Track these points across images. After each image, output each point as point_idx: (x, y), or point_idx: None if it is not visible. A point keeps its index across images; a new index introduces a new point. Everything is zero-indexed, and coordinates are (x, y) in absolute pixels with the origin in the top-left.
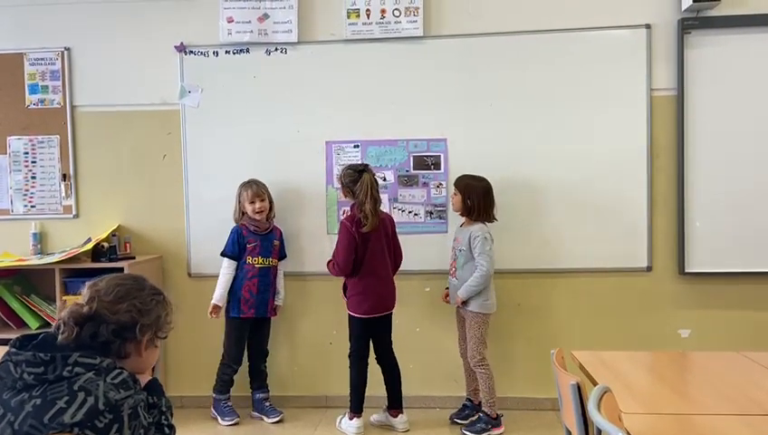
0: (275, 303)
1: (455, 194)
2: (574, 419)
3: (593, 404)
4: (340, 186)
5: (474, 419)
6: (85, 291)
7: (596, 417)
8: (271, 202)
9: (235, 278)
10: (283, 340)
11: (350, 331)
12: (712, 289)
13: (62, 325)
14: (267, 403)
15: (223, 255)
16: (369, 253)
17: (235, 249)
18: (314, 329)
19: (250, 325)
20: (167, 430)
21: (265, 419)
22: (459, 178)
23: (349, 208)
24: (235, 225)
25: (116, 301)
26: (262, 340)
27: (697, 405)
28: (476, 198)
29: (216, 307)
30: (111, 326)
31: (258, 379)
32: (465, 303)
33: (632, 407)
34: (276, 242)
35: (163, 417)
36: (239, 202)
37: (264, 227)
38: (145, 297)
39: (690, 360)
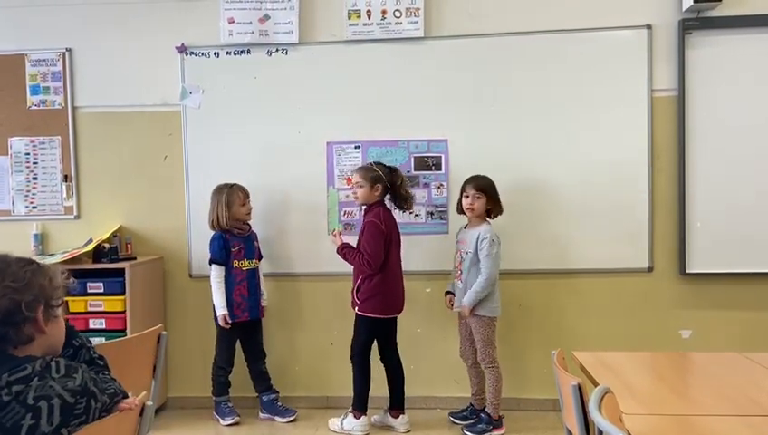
0: (261, 304)
1: (478, 197)
2: (575, 419)
3: (594, 405)
4: (362, 181)
5: (475, 419)
6: None
7: (597, 418)
8: None
9: (225, 284)
10: (284, 341)
11: (359, 332)
12: (713, 290)
13: None
14: (279, 403)
15: (212, 262)
16: (390, 253)
17: (222, 254)
18: (315, 330)
19: (241, 328)
20: (99, 361)
21: (279, 419)
22: (476, 179)
23: (359, 210)
24: (216, 231)
25: None
26: (256, 342)
27: (698, 406)
28: (496, 196)
29: (225, 316)
30: None
31: (261, 380)
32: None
33: (633, 408)
34: (256, 243)
35: (92, 351)
36: (225, 205)
37: (246, 229)
38: (16, 273)
39: (691, 360)
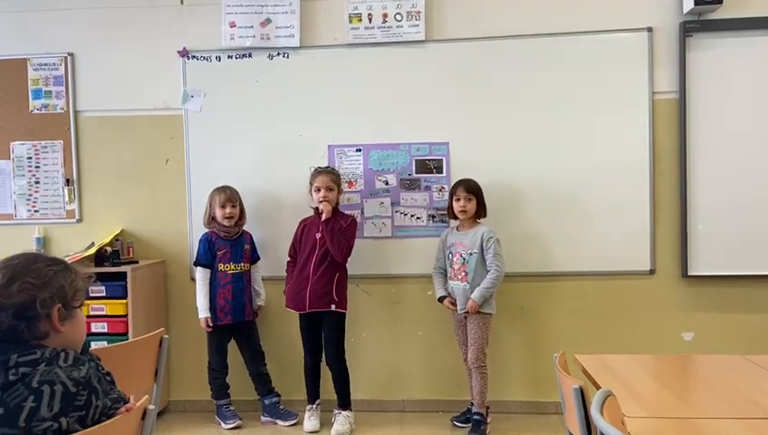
0: (258, 303)
1: (469, 199)
2: (577, 422)
3: (596, 408)
4: (333, 185)
5: (473, 423)
6: None
7: (599, 421)
8: (242, 210)
9: (209, 287)
10: (284, 343)
11: (340, 331)
12: (715, 292)
13: None
14: (281, 407)
15: (196, 264)
16: None
17: (207, 257)
18: None
19: (230, 331)
20: (107, 377)
21: (280, 422)
22: (466, 182)
23: (335, 210)
24: (204, 232)
25: (6, 284)
26: (251, 343)
27: (700, 409)
28: (483, 199)
29: (207, 319)
30: (10, 311)
31: (262, 383)
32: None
33: (635, 411)
34: (247, 246)
35: (100, 367)
36: (209, 206)
37: (233, 232)
38: (40, 270)
39: (693, 363)
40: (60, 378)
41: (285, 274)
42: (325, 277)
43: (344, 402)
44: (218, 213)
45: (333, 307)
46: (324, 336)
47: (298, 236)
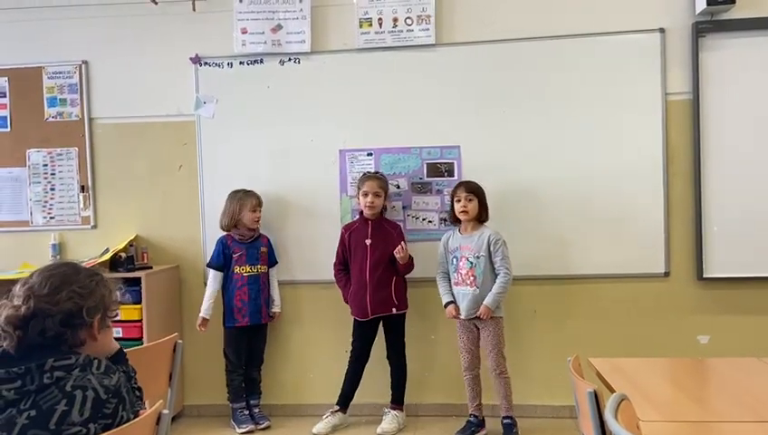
0: (273, 310)
1: (469, 200)
2: (592, 426)
3: (610, 412)
4: (381, 191)
5: (505, 427)
6: (18, 291)
7: (613, 425)
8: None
9: (226, 289)
10: (298, 348)
11: (403, 329)
12: (731, 294)
13: (0, 333)
14: (257, 410)
15: (209, 266)
16: None
17: (220, 260)
18: (330, 337)
19: (247, 333)
20: (137, 392)
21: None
22: (466, 183)
23: (381, 217)
24: (221, 235)
25: (54, 292)
26: (257, 347)
27: (716, 412)
28: (485, 201)
29: (204, 320)
30: (58, 317)
31: (250, 386)
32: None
33: (650, 414)
34: (263, 249)
35: (132, 381)
36: (237, 210)
37: (248, 235)
38: (83, 280)
39: (709, 366)
40: (92, 384)
41: (336, 281)
42: (382, 283)
43: (399, 399)
44: (248, 217)
45: (394, 310)
46: (388, 339)
47: (346, 243)
